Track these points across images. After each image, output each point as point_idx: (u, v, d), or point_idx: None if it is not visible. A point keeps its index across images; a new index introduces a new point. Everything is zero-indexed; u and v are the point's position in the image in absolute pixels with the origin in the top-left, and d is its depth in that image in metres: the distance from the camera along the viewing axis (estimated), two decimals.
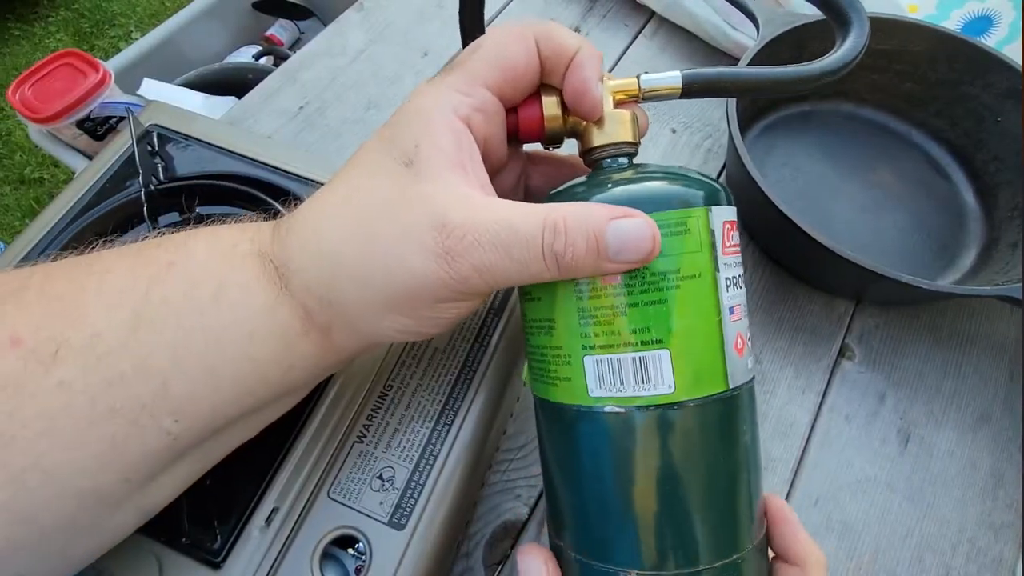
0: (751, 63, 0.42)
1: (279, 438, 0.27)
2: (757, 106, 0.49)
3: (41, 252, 0.33)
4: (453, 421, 0.28)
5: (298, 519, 0.26)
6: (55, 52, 0.78)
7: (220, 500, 0.26)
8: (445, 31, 0.56)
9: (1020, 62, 0.42)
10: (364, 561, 0.25)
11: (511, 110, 0.23)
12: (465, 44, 0.28)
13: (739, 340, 0.21)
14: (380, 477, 0.27)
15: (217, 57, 1.06)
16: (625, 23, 0.58)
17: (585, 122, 0.23)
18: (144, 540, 0.25)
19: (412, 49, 0.55)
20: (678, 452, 0.20)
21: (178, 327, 0.19)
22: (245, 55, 1.07)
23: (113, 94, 0.78)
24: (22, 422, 0.18)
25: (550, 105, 0.23)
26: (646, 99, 0.24)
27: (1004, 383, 0.41)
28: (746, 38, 0.52)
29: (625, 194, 0.20)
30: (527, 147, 0.27)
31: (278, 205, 0.33)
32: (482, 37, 0.23)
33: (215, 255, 0.21)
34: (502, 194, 0.21)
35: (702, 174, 0.22)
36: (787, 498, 0.37)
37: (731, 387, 0.20)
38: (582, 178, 0.23)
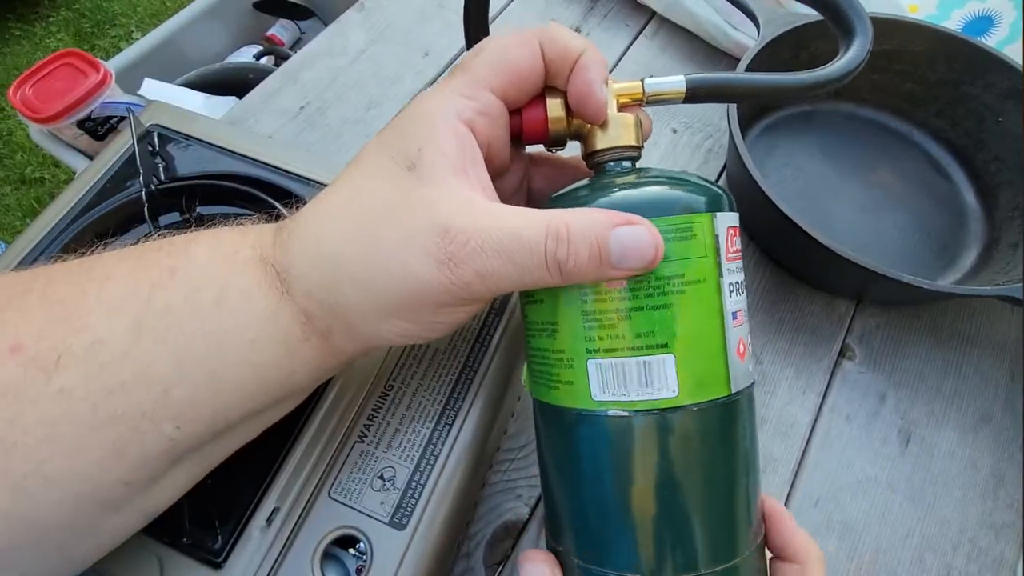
0: (752, 63, 0.42)
1: (280, 438, 0.27)
2: (758, 106, 0.49)
3: (42, 252, 0.33)
4: (454, 421, 0.28)
5: (299, 519, 0.26)
6: (56, 52, 0.78)
7: (221, 500, 0.26)
8: (446, 31, 0.56)
9: (1021, 62, 0.42)
10: (365, 561, 0.25)
11: (515, 112, 0.23)
12: (469, 47, 0.28)
13: (741, 345, 0.21)
14: (381, 477, 0.27)
15: (218, 57, 1.06)
16: (626, 23, 0.58)
17: (589, 125, 0.23)
18: (145, 540, 0.25)
19: (413, 49, 0.55)
20: (679, 456, 0.20)
21: (180, 333, 0.19)
22: (246, 55, 1.07)
23: (114, 94, 0.78)
24: (23, 429, 0.18)
25: (554, 108, 0.23)
26: (650, 103, 0.24)
27: (1005, 383, 0.41)
28: (747, 38, 0.52)
29: (630, 199, 0.20)
30: (529, 149, 0.27)
31: (279, 205, 0.33)
32: (486, 40, 0.22)
33: (216, 260, 0.21)
34: (505, 196, 0.21)
35: (705, 179, 0.22)
36: (788, 498, 0.37)
37: (733, 391, 0.20)
38: (585, 181, 0.23)
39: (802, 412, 0.39)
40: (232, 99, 0.86)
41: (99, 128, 0.79)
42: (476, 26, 0.28)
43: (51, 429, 0.18)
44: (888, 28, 0.45)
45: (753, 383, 0.22)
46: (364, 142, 0.49)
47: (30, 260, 0.32)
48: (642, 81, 0.23)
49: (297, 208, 0.22)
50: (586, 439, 0.21)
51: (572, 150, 0.25)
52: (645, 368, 0.20)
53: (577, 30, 0.57)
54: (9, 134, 1.49)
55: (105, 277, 0.20)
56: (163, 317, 0.19)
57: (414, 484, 0.27)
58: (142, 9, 1.73)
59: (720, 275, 0.20)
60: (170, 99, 0.64)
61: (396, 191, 0.20)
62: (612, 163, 0.23)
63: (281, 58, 1.02)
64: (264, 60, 1.05)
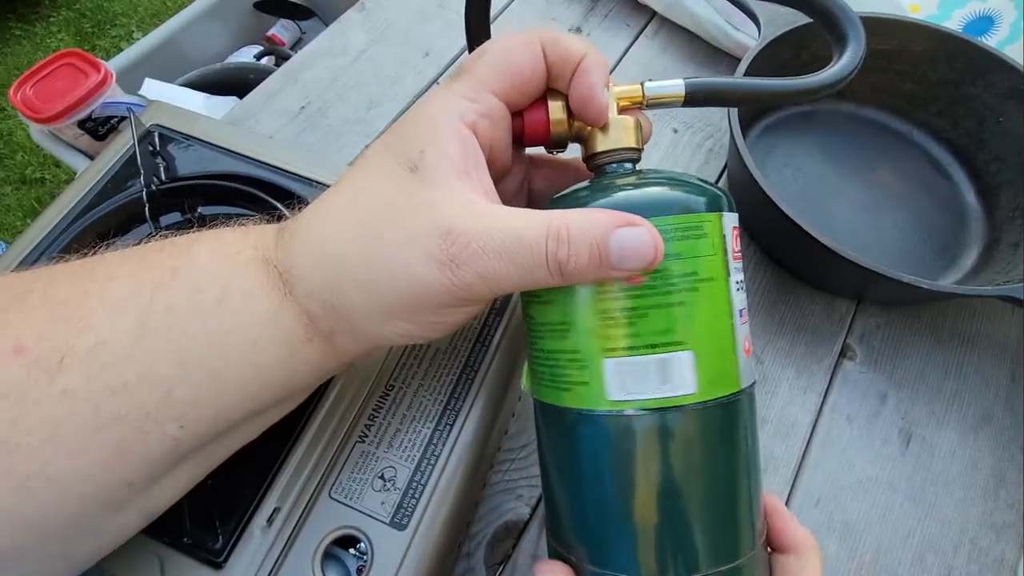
0: (752, 63, 0.42)
1: (281, 438, 0.27)
2: (758, 106, 0.49)
3: (43, 252, 0.33)
4: (455, 421, 0.28)
5: (299, 519, 0.26)
6: (56, 52, 0.78)
7: (222, 500, 0.26)
8: (446, 31, 0.56)
9: (1021, 62, 0.42)
10: (365, 561, 0.25)
11: (517, 114, 0.23)
12: (471, 48, 0.28)
13: (746, 342, 0.22)
14: (382, 477, 0.27)
15: (218, 57, 1.06)
16: (627, 23, 0.58)
17: (589, 128, 0.23)
18: (146, 540, 0.25)
19: (413, 49, 0.55)
20: (693, 453, 0.20)
21: (182, 334, 0.19)
22: (246, 55, 1.07)
23: (114, 94, 0.79)
24: (27, 430, 0.18)
25: (556, 110, 0.23)
26: (650, 106, 0.24)
27: (1005, 383, 0.41)
28: (747, 38, 0.52)
29: (638, 198, 0.21)
30: (530, 150, 0.27)
31: (280, 205, 0.33)
32: (488, 42, 0.23)
33: (218, 260, 0.21)
34: (506, 198, 0.21)
35: (704, 180, 0.22)
36: (788, 498, 0.37)
37: (742, 387, 0.21)
38: (585, 183, 0.23)
39: (803, 412, 0.39)
40: (233, 99, 0.86)
41: (100, 128, 0.79)
42: (477, 28, 0.28)
43: (54, 430, 0.18)
44: (888, 28, 0.45)
45: (755, 382, 0.22)
46: (365, 142, 0.50)
47: (31, 260, 0.32)
48: (642, 84, 0.24)
49: (299, 208, 0.22)
50: (599, 440, 0.21)
51: (572, 152, 0.25)
52: (664, 366, 0.20)
53: (578, 30, 0.57)
54: (10, 134, 1.49)
55: (107, 278, 0.20)
56: (165, 317, 0.19)
57: (415, 484, 0.27)
58: (143, 9, 1.73)
59: (728, 274, 0.21)
60: (171, 99, 0.64)
61: (398, 193, 0.20)
62: (613, 165, 0.23)
63: (282, 58, 1.02)
64: (265, 60, 1.05)
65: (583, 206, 0.21)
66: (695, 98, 0.24)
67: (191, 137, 0.37)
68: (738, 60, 0.44)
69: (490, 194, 0.21)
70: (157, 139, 0.36)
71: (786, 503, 0.36)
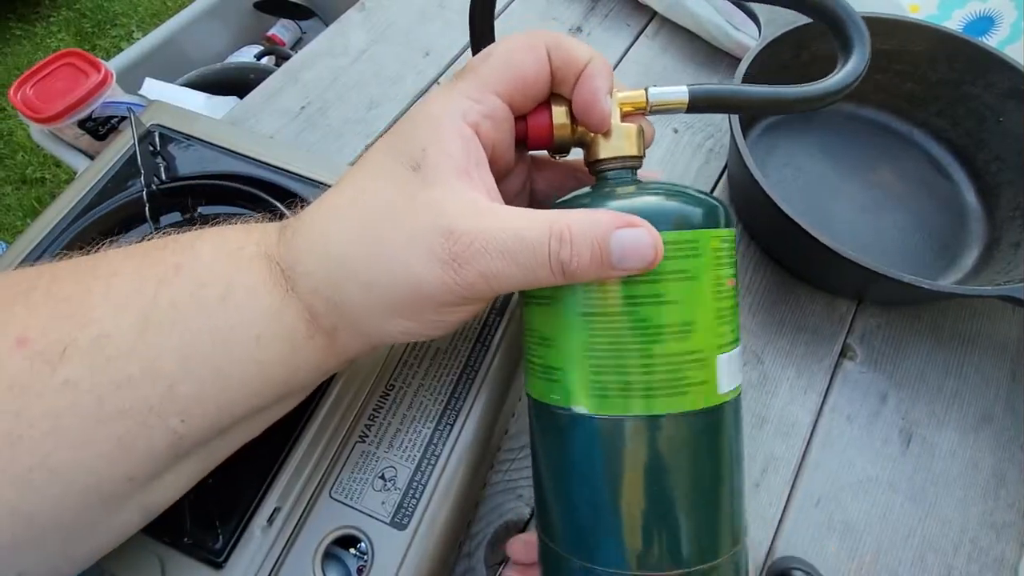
0: (753, 63, 0.42)
1: (281, 438, 0.27)
2: (761, 114, 0.49)
3: (43, 252, 0.33)
4: (455, 421, 0.28)
5: (300, 519, 0.26)
6: (57, 52, 0.78)
7: (222, 500, 0.26)
8: (447, 31, 0.56)
9: (1022, 62, 0.42)
10: (366, 561, 0.25)
11: (520, 118, 0.23)
12: (475, 50, 0.28)
13: None
14: (382, 477, 0.27)
15: (219, 57, 1.06)
16: (627, 23, 0.58)
17: (592, 133, 0.23)
18: (146, 540, 0.25)
19: (414, 49, 0.55)
20: (731, 443, 0.22)
21: (185, 330, 0.19)
22: (247, 55, 1.07)
23: (115, 94, 0.79)
24: (29, 421, 0.18)
25: (559, 114, 0.23)
26: (653, 112, 0.24)
27: (1006, 383, 0.41)
28: (748, 38, 0.52)
29: (641, 207, 0.21)
30: (532, 152, 0.27)
31: (280, 205, 0.33)
32: (493, 44, 0.23)
33: (221, 257, 0.21)
34: (508, 198, 0.21)
35: (703, 191, 0.23)
36: (788, 498, 0.37)
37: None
38: (587, 188, 0.23)
39: (803, 412, 0.39)
40: (233, 99, 0.86)
41: (100, 128, 0.79)
42: (481, 28, 0.28)
43: (57, 422, 0.18)
44: (889, 28, 0.45)
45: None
46: (365, 142, 0.50)
47: (31, 260, 0.33)
48: (646, 90, 0.24)
49: (300, 207, 0.23)
50: (706, 430, 0.21)
51: (574, 153, 0.26)
52: (737, 359, 0.22)
53: (578, 30, 0.57)
54: (10, 134, 1.49)
55: (111, 274, 0.20)
56: (169, 312, 0.19)
57: (415, 484, 0.27)
58: (143, 9, 1.73)
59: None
60: (171, 99, 0.64)
61: (399, 193, 0.20)
62: (614, 172, 0.23)
63: (282, 58, 1.02)
64: (265, 60, 1.05)
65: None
66: (698, 105, 0.24)
67: (191, 137, 0.37)
68: (738, 60, 0.44)
69: (492, 193, 0.21)
70: (157, 139, 0.36)
71: (786, 503, 0.36)
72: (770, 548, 0.35)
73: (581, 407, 0.21)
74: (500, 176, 0.23)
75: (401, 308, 0.20)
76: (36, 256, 0.33)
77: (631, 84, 0.24)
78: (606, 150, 0.23)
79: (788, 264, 0.44)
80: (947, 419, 0.39)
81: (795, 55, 0.45)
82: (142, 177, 0.34)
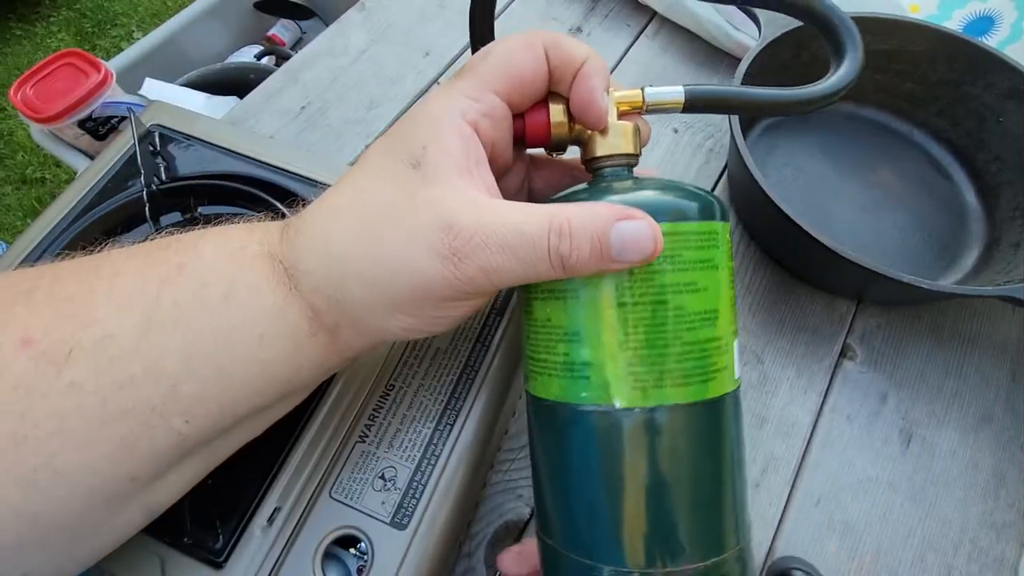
0: (752, 63, 0.42)
1: (281, 438, 0.27)
2: (757, 115, 0.49)
3: (43, 252, 0.33)
4: (455, 421, 0.28)
5: (300, 519, 0.26)
6: (57, 52, 0.78)
7: (222, 500, 0.26)
8: (447, 31, 0.56)
9: (1022, 62, 0.42)
10: (366, 561, 0.25)
11: (518, 116, 0.24)
12: (475, 49, 0.28)
13: None
14: (382, 477, 0.27)
15: (219, 57, 1.06)
16: (627, 23, 0.58)
17: (589, 131, 0.24)
18: (147, 540, 0.25)
19: (414, 49, 0.55)
20: (741, 429, 0.22)
21: (188, 329, 0.20)
22: (247, 55, 1.07)
23: (115, 94, 0.79)
24: (34, 422, 0.18)
25: (557, 113, 0.24)
26: (649, 111, 0.24)
27: (1006, 383, 0.41)
28: (748, 38, 0.52)
29: (639, 201, 0.21)
30: (530, 151, 0.27)
31: (280, 205, 0.33)
32: (492, 44, 0.23)
33: (224, 256, 0.21)
34: (506, 196, 0.22)
35: (700, 188, 0.23)
36: (788, 498, 0.37)
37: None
38: (583, 185, 0.24)
39: (803, 412, 0.39)
40: (233, 99, 0.86)
41: (100, 128, 0.79)
42: (481, 28, 0.28)
43: (61, 423, 0.18)
44: (888, 28, 0.45)
45: None
46: (365, 142, 0.50)
47: (31, 260, 0.32)
48: (642, 90, 0.24)
49: (301, 206, 0.23)
50: (725, 418, 0.22)
51: (572, 152, 0.26)
52: (740, 349, 0.22)
53: (578, 30, 0.57)
54: (10, 134, 1.49)
55: (113, 274, 0.20)
56: (172, 312, 0.20)
57: (415, 484, 0.27)
58: (143, 9, 1.73)
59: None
60: (171, 99, 0.64)
61: (399, 192, 0.20)
62: (610, 169, 0.24)
63: (282, 58, 1.02)
64: (265, 60, 1.05)
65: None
66: (694, 105, 0.24)
67: (191, 137, 0.37)
68: (738, 60, 0.44)
69: (492, 191, 0.21)
70: (157, 139, 0.36)
71: (786, 503, 0.36)
72: (770, 548, 0.35)
73: (616, 401, 0.20)
74: (499, 174, 0.24)
75: (402, 304, 0.20)
76: (36, 256, 0.33)
77: (631, 85, 0.24)
78: (603, 147, 0.23)
79: (788, 264, 0.44)
80: (947, 419, 0.39)
81: (795, 55, 0.45)
82: (142, 177, 0.34)
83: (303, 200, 0.33)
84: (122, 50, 0.96)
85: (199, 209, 0.35)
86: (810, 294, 0.43)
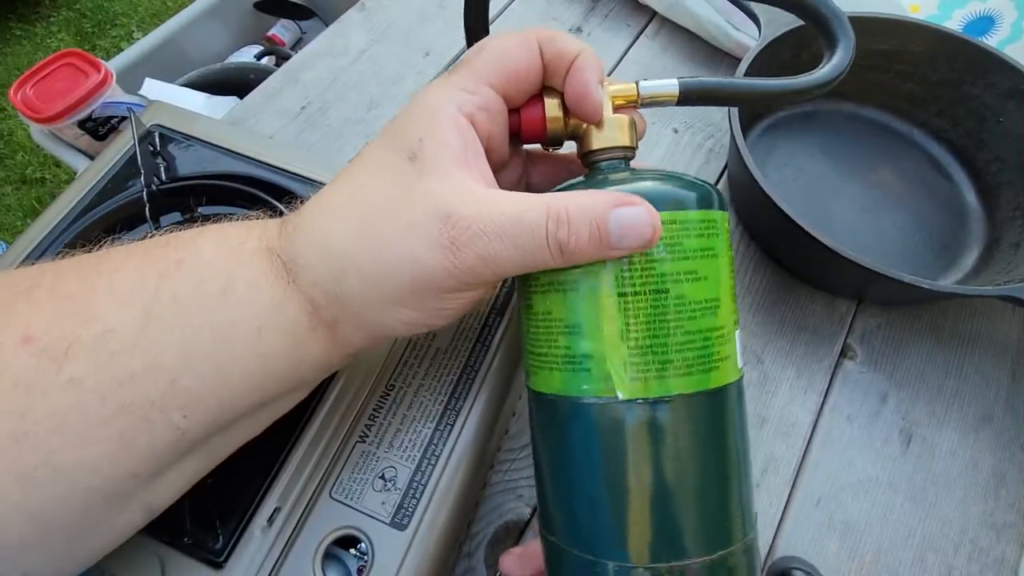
0: (752, 63, 0.42)
1: (281, 438, 0.27)
2: (753, 106, 0.49)
3: (43, 252, 0.33)
4: (455, 421, 0.28)
5: (300, 519, 0.26)
6: (57, 52, 0.78)
7: (222, 500, 0.26)
8: (447, 31, 0.56)
9: (1022, 62, 0.42)
10: (366, 561, 0.25)
11: (514, 112, 0.24)
12: (470, 46, 0.28)
13: None
14: (382, 477, 0.27)
15: (219, 57, 1.06)
16: (627, 23, 0.58)
17: (585, 125, 0.24)
18: (146, 540, 0.25)
19: (414, 49, 0.55)
20: (745, 419, 0.22)
21: (187, 325, 0.20)
22: (247, 55, 1.07)
23: (115, 94, 0.79)
24: (34, 419, 0.18)
25: (552, 107, 0.24)
26: (644, 105, 0.24)
27: (1006, 383, 0.41)
28: (748, 38, 0.52)
29: (639, 192, 0.21)
30: (527, 146, 0.27)
31: (280, 205, 0.33)
32: (486, 39, 0.23)
33: (223, 252, 0.21)
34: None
35: (698, 178, 0.23)
36: (789, 498, 0.37)
37: None
38: (580, 178, 0.23)
39: (803, 412, 0.39)
40: (233, 99, 0.86)
41: (100, 128, 0.79)
42: (476, 25, 0.28)
43: (61, 420, 0.18)
44: (889, 28, 0.45)
45: None
46: (365, 142, 0.50)
47: (31, 260, 0.32)
48: (637, 83, 0.24)
49: (300, 204, 0.23)
50: (728, 409, 0.22)
51: (569, 147, 0.26)
52: (741, 340, 0.22)
53: (578, 30, 0.57)
54: (10, 134, 1.49)
55: (113, 270, 0.20)
56: (171, 307, 0.20)
57: (415, 484, 0.27)
58: (143, 9, 1.73)
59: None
60: (171, 99, 0.64)
61: (397, 187, 0.20)
62: (607, 162, 0.24)
63: (282, 58, 1.02)
64: (265, 60, 1.05)
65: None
66: (689, 97, 0.24)
67: (191, 137, 0.37)
68: (738, 60, 0.44)
69: (489, 182, 0.21)
70: (157, 139, 0.36)
71: (786, 503, 0.36)
72: (770, 548, 0.35)
73: (618, 393, 0.20)
74: (495, 169, 0.24)
75: (402, 296, 0.20)
76: (36, 256, 0.33)
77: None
78: (599, 141, 0.23)
79: (788, 264, 0.44)
80: (947, 419, 0.39)
81: (795, 55, 0.45)
82: (142, 177, 0.34)
83: (302, 199, 0.33)
84: (122, 50, 0.96)
85: (199, 209, 0.35)
86: (810, 294, 0.43)
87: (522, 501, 0.35)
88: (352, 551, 0.26)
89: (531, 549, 0.24)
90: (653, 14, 0.58)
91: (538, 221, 0.19)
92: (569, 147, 0.26)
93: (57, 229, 0.33)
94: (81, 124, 0.77)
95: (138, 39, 1.00)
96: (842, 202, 0.47)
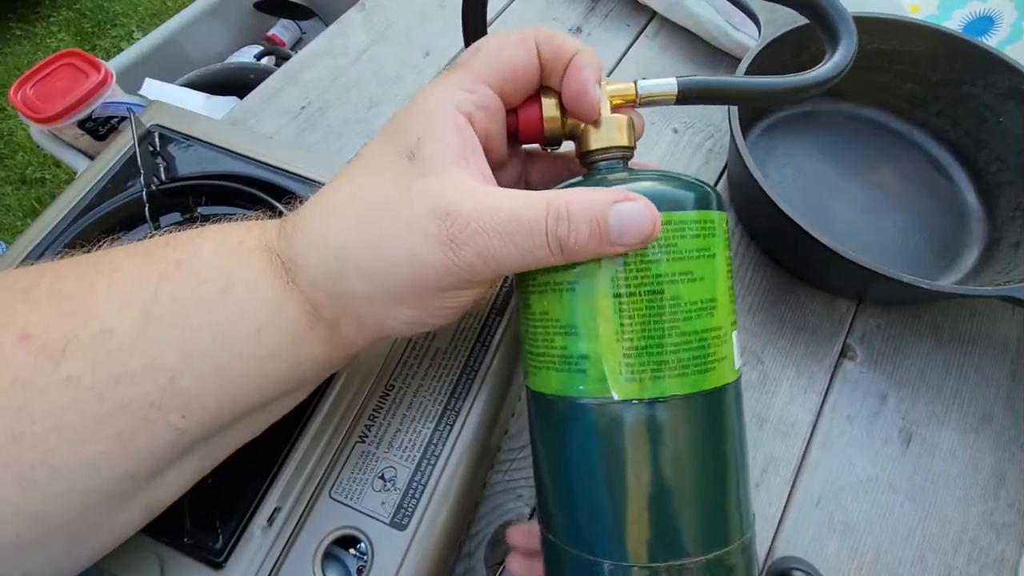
0: (752, 63, 0.42)
1: (281, 438, 0.27)
2: (754, 105, 0.49)
3: (43, 252, 0.33)
4: (455, 421, 0.28)
5: (300, 519, 0.26)
6: (57, 52, 0.78)
7: (222, 500, 0.26)
8: (447, 31, 0.56)
9: (1022, 62, 0.42)
10: (366, 561, 0.25)
11: (511, 111, 0.24)
12: (468, 45, 0.29)
13: None
14: (382, 477, 0.27)
15: (219, 57, 1.06)
16: (627, 23, 0.58)
17: (583, 125, 0.24)
18: (146, 540, 0.25)
19: (414, 49, 0.55)
20: (743, 420, 0.22)
21: (186, 325, 0.20)
22: (247, 55, 1.07)
23: (115, 94, 0.78)
24: (32, 418, 0.18)
25: (549, 107, 0.24)
26: (642, 104, 0.24)
27: (1006, 383, 0.41)
28: (748, 38, 0.52)
29: (640, 192, 0.21)
30: (525, 146, 0.27)
31: (280, 205, 0.33)
32: (484, 38, 0.23)
33: (222, 252, 0.21)
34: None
35: (698, 179, 0.23)
36: (788, 498, 0.37)
37: None
38: (578, 178, 0.23)
39: (803, 412, 0.39)
40: (233, 99, 0.86)
41: (100, 128, 0.79)
42: (474, 25, 0.28)
43: (59, 418, 0.18)
44: (888, 28, 0.45)
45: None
46: (365, 142, 0.49)
47: (31, 260, 0.33)
48: (635, 83, 0.24)
49: (299, 204, 0.23)
50: (725, 409, 0.22)
51: (568, 146, 0.26)
52: (739, 341, 0.22)
53: (578, 30, 0.57)
54: (10, 134, 1.49)
55: (113, 271, 0.20)
56: (170, 307, 0.20)
57: (415, 484, 0.27)
58: (143, 9, 1.73)
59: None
60: (171, 99, 0.64)
61: (396, 186, 0.20)
62: (605, 162, 0.24)
63: (282, 58, 1.02)
64: (265, 60, 1.05)
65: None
66: (687, 96, 0.24)
67: (191, 137, 0.37)
68: (738, 60, 0.44)
69: (488, 180, 0.21)
70: (157, 139, 0.36)
71: (786, 503, 0.36)
72: (770, 548, 0.35)
73: (613, 393, 0.20)
74: (494, 168, 0.24)
75: (402, 295, 0.20)
76: (36, 256, 0.33)
77: None
78: (597, 140, 0.23)
79: (788, 264, 0.44)
80: (947, 419, 0.39)
81: (795, 55, 0.45)
82: (142, 177, 0.34)
83: (301, 199, 0.34)
84: (122, 50, 0.96)
85: (199, 209, 0.35)
86: (810, 294, 0.43)
87: (522, 501, 0.35)
88: (352, 551, 0.26)
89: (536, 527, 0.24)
90: (653, 14, 0.58)
91: (537, 218, 0.19)
92: (568, 146, 0.26)
93: (57, 229, 0.33)
94: (81, 124, 0.77)
95: (138, 39, 1.00)
96: (842, 202, 0.47)
